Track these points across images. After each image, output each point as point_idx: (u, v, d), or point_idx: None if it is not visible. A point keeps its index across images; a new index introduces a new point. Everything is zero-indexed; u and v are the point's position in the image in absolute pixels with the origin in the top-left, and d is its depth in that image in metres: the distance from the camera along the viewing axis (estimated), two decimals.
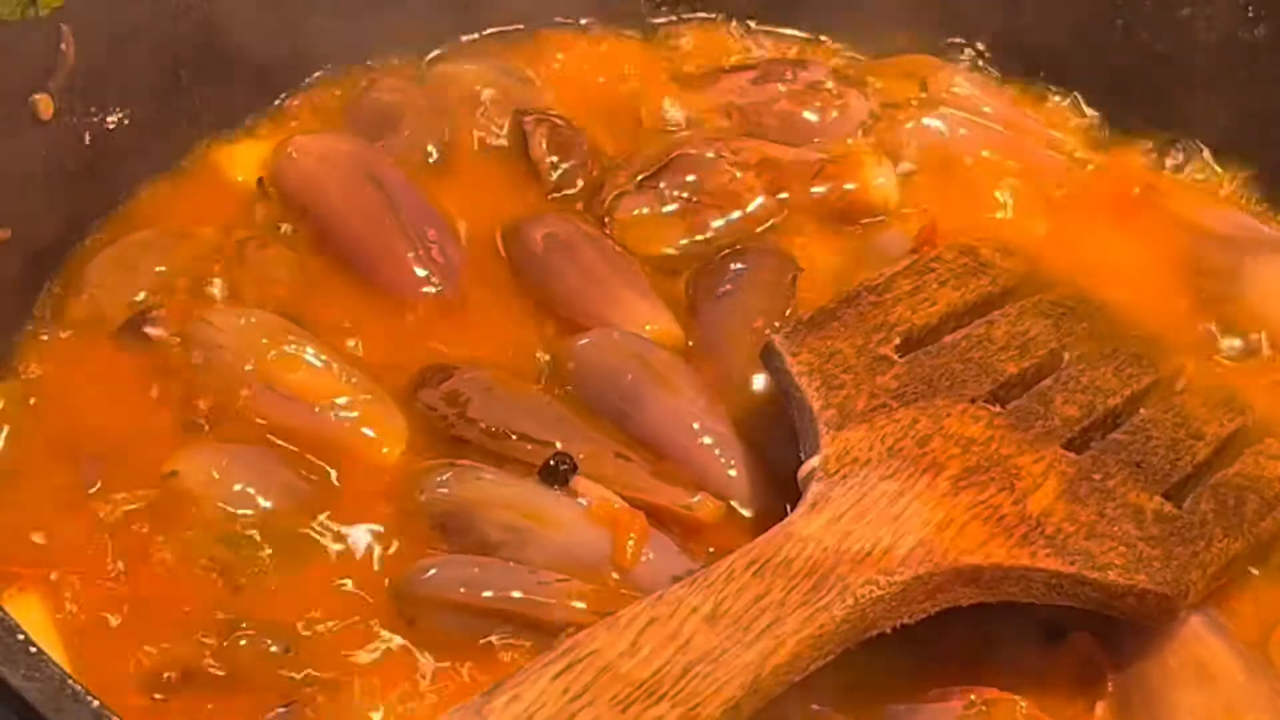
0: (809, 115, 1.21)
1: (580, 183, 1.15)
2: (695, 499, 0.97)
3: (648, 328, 1.06)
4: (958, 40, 1.27)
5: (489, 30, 1.25)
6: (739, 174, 1.14)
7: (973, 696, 0.90)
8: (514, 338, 1.06)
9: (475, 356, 1.04)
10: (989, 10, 1.27)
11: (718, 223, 1.13)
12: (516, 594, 0.91)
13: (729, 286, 1.09)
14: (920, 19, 1.27)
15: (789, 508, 0.91)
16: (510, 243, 1.11)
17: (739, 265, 1.10)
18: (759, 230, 1.13)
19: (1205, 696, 0.91)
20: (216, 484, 0.95)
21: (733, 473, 0.99)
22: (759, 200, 1.14)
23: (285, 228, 1.10)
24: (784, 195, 1.14)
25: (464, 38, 1.25)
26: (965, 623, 0.90)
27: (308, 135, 1.15)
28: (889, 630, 0.87)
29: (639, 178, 1.13)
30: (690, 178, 1.13)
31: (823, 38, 1.29)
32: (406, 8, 1.22)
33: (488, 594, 0.91)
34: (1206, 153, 1.22)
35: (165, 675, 0.88)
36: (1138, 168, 1.23)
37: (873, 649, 0.87)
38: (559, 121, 1.17)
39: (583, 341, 1.04)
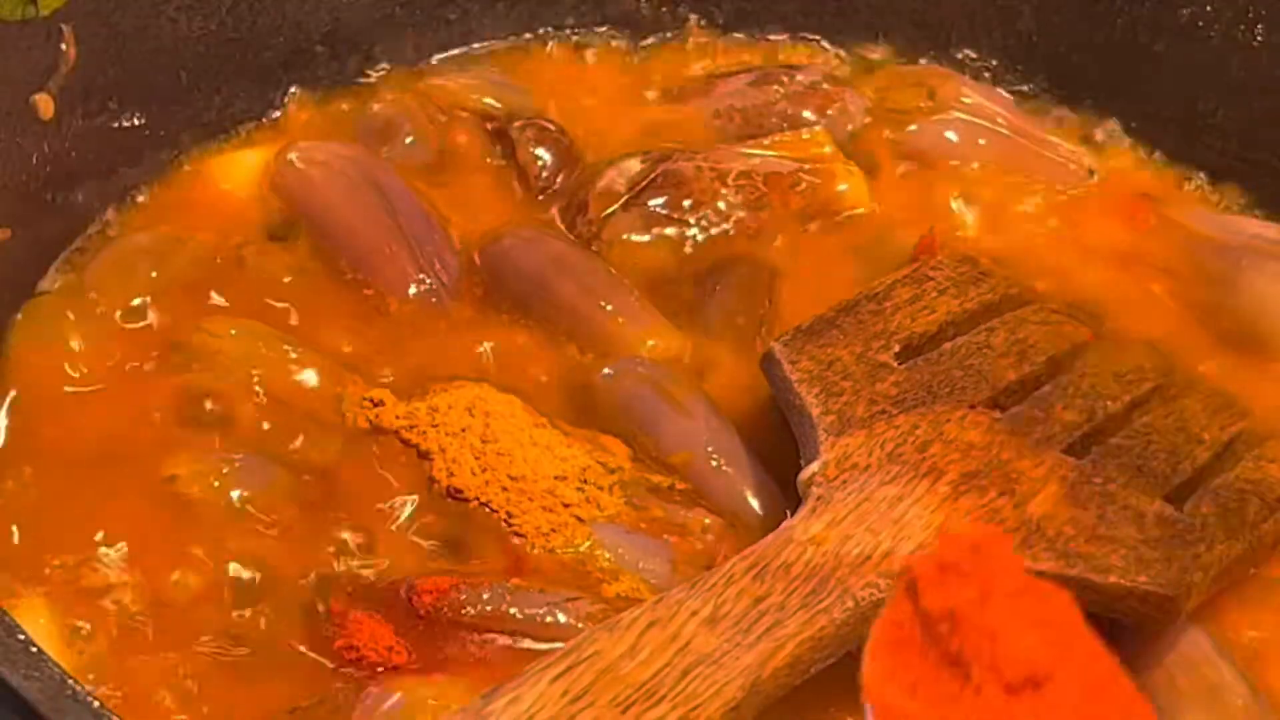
0: (808, 115, 1.21)
1: (566, 187, 1.15)
2: (691, 514, 0.97)
3: (650, 343, 1.06)
4: (957, 46, 1.28)
5: (485, 42, 1.26)
6: (721, 188, 1.14)
7: None
8: (512, 344, 1.06)
9: (473, 364, 1.04)
10: (987, 15, 1.27)
11: (702, 235, 1.13)
12: (524, 613, 0.91)
13: (711, 294, 1.09)
14: (920, 26, 1.27)
15: (789, 513, 0.91)
16: (490, 268, 1.10)
17: (719, 273, 1.11)
18: (743, 239, 1.14)
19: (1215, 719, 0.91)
20: (216, 490, 0.95)
21: (741, 489, 0.99)
22: (740, 212, 1.14)
23: (284, 232, 1.10)
24: (765, 204, 1.15)
25: (460, 50, 1.25)
26: None
27: (309, 141, 1.15)
28: None
29: (624, 197, 1.13)
30: (676, 192, 1.13)
31: (824, 45, 1.29)
32: (403, 19, 1.22)
33: (493, 612, 0.91)
34: (1206, 156, 1.22)
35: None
36: (1138, 172, 1.23)
37: None
38: (547, 125, 1.18)
39: (605, 372, 1.04)
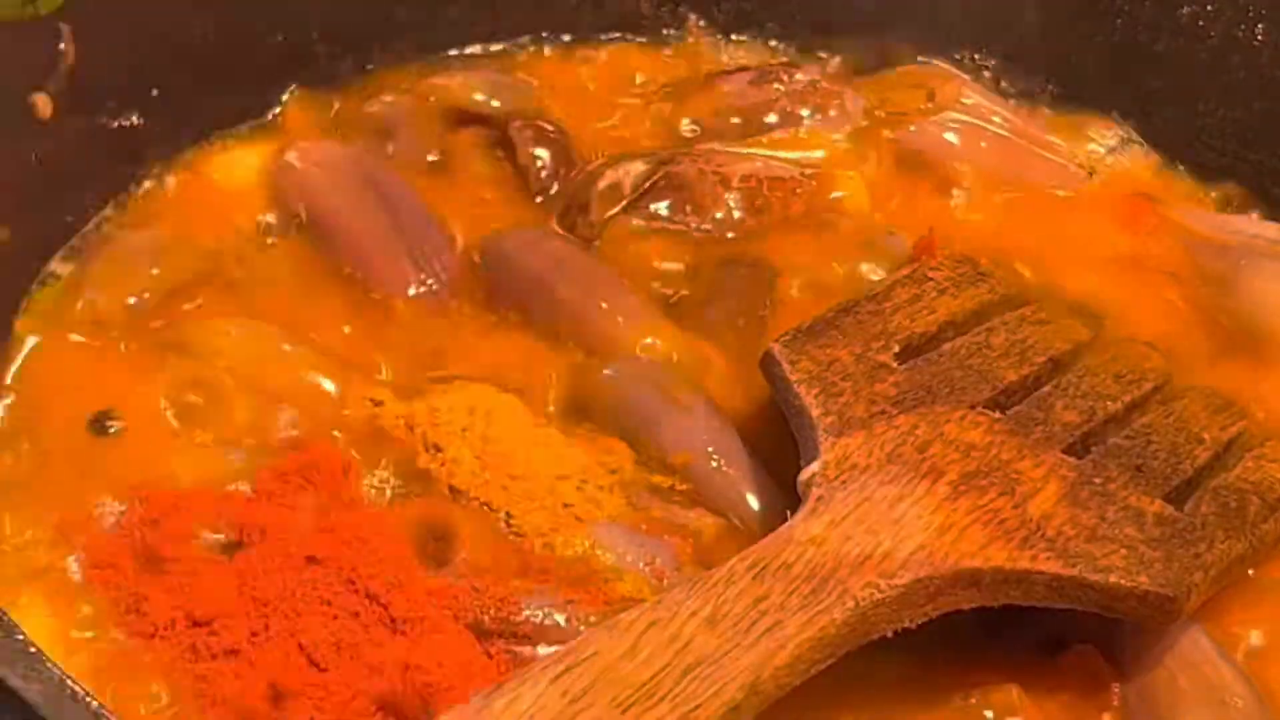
0: (808, 114, 1.21)
1: (567, 188, 1.15)
2: (691, 514, 0.97)
3: (649, 343, 1.06)
4: (957, 46, 1.28)
5: (485, 42, 1.26)
6: (723, 191, 1.14)
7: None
8: (512, 344, 1.06)
9: (474, 364, 1.04)
10: (987, 15, 1.27)
11: (703, 238, 1.13)
12: (523, 615, 0.91)
13: (711, 296, 1.10)
14: (920, 26, 1.27)
15: (789, 513, 0.91)
16: (491, 269, 1.10)
17: (720, 275, 1.11)
18: (744, 241, 1.14)
19: None
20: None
21: (741, 489, 0.99)
22: (742, 214, 1.14)
23: (284, 232, 1.10)
24: (765, 207, 1.15)
25: (460, 50, 1.25)
26: (967, 634, 0.90)
27: (308, 140, 1.15)
28: (890, 635, 0.87)
29: (627, 198, 1.13)
30: (678, 195, 1.14)
31: (824, 45, 1.29)
32: (403, 19, 1.22)
33: (497, 614, 0.91)
34: (1206, 156, 1.22)
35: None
36: (1138, 173, 1.23)
37: (872, 658, 0.87)
38: (547, 125, 1.18)
39: (606, 373, 1.04)
